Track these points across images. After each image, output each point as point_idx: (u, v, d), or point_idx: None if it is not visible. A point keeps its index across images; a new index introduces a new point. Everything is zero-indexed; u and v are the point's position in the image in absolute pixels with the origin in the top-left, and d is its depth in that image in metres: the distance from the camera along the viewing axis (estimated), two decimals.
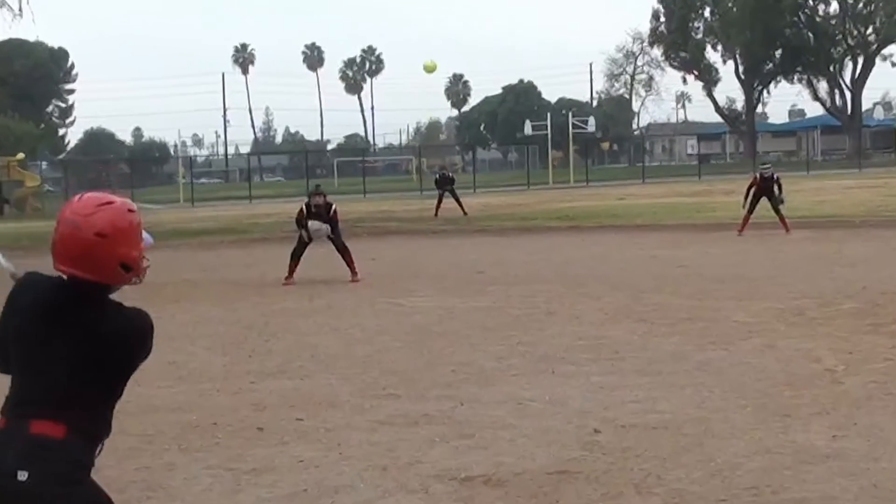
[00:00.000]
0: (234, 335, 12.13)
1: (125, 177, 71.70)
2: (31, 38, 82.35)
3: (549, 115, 72.50)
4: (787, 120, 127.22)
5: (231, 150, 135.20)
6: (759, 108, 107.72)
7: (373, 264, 19.18)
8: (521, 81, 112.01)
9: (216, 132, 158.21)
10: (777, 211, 23.59)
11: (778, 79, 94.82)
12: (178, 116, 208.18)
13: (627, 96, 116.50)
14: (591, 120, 70.58)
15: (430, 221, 32.65)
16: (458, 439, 7.28)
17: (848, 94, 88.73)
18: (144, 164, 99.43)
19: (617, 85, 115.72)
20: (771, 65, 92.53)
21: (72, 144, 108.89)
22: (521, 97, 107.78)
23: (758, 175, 24.00)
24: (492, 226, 30.01)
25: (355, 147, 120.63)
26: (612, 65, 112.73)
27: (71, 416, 3.22)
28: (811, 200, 32.67)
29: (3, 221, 43.21)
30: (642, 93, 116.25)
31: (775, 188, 23.54)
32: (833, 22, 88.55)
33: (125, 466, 6.73)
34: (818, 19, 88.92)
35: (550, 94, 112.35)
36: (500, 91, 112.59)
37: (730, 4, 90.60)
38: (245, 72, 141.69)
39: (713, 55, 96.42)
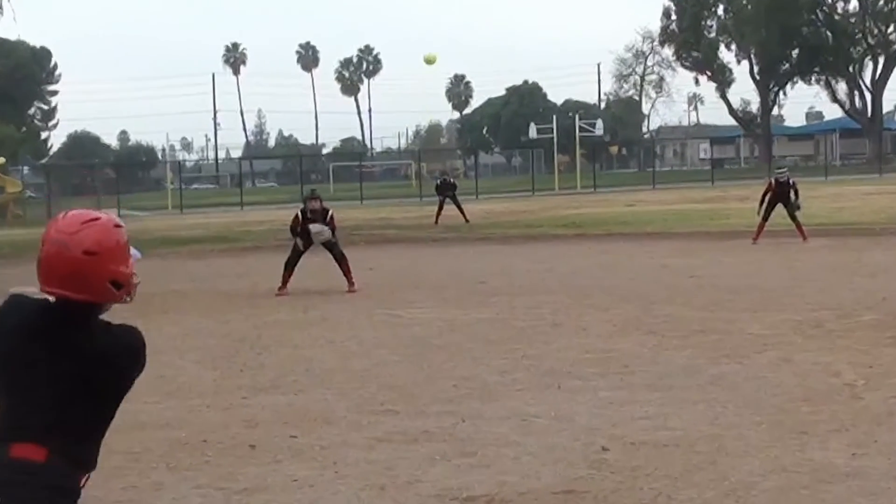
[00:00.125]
0: (225, 348, 12.13)
1: (111, 182, 71.68)
2: (12, 37, 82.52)
3: (554, 117, 72.53)
4: (804, 123, 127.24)
5: (222, 155, 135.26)
6: (775, 111, 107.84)
7: (370, 274, 19.19)
8: (525, 82, 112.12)
9: (206, 135, 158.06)
10: (793, 218, 23.60)
11: (795, 80, 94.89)
12: (166, 119, 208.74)
13: (637, 98, 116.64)
14: (599, 123, 70.59)
15: (430, 229, 32.66)
16: (460, 457, 7.28)
17: (868, 96, 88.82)
18: (131, 169, 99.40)
19: (626, 86, 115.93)
20: (787, 65, 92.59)
21: (55, 148, 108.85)
22: (526, 99, 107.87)
23: (773, 180, 24.02)
24: (495, 234, 30.02)
25: (352, 151, 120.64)
26: (620, 65, 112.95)
27: (55, 440, 3.22)
28: (829, 207, 32.69)
29: None
30: (652, 94, 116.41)
31: (791, 194, 23.55)
32: (853, 20, 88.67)
33: (111, 486, 6.73)
34: (837, 17, 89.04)
35: (556, 96, 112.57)
36: (503, 92, 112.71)
37: (744, 2, 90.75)
38: (236, 72, 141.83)
39: (727, 55, 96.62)
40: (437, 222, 34.23)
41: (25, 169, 72.65)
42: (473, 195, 53.17)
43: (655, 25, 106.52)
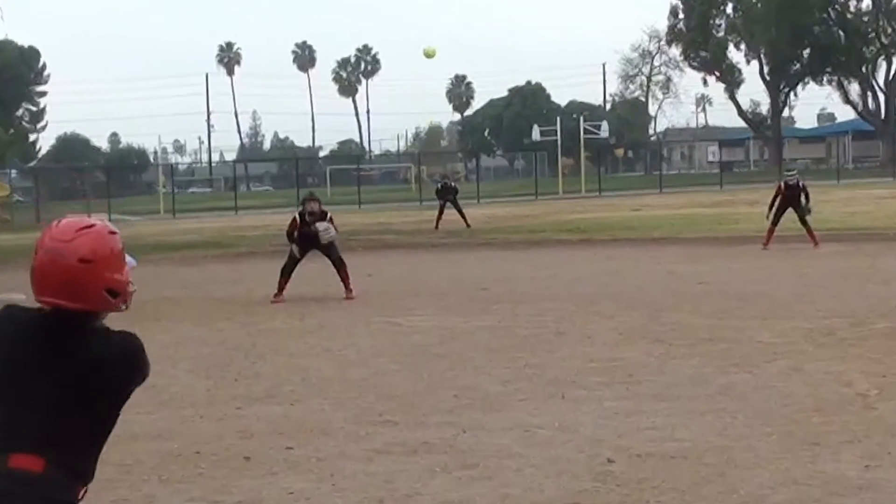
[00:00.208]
0: (219, 357, 12.14)
1: (101, 186, 71.66)
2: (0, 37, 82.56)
3: (558, 119, 72.63)
4: (815, 125, 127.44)
5: (215, 158, 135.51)
6: (786, 112, 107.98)
7: (369, 280, 19.20)
8: (528, 83, 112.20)
9: (199, 138, 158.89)
10: (804, 222, 23.60)
11: (806, 80, 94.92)
12: (158, 121, 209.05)
13: (643, 99, 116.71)
14: (604, 125, 70.59)
15: (430, 234, 32.68)
16: (461, 469, 7.29)
17: (881, 97, 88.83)
18: (122, 172, 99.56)
19: (632, 87, 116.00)
20: (798, 65, 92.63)
21: (43, 151, 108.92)
22: (529, 100, 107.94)
23: (782, 183, 24.03)
24: (497, 239, 30.03)
25: (349, 154, 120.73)
26: (626, 65, 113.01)
27: (52, 450, 3.24)
28: (842, 211, 32.70)
29: None
30: (659, 95, 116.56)
31: (802, 197, 23.55)
32: (865, 19, 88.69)
33: (101, 499, 6.72)
34: (849, 16, 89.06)
35: (560, 97, 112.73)
36: (505, 93, 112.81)
37: (754, 0, 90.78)
38: (230, 73, 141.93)
39: (736, 55, 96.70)
40: (437, 227, 34.25)
41: (13, 172, 72.61)
42: (475, 199, 53.17)
43: (662, 24, 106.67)
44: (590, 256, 23.88)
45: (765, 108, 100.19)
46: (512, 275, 20.29)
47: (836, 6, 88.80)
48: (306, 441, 8.17)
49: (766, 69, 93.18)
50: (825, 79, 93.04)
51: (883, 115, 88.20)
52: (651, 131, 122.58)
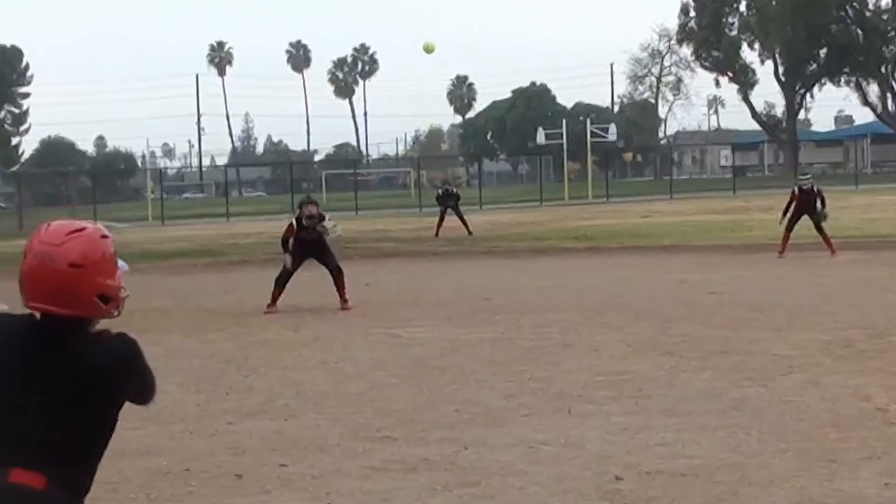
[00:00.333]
0: (210, 370, 12.15)
1: (86, 191, 71.77)
2: None
3: (564, 122, 72.66)
4: (832, 127, 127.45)
5: (206, 162, 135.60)
6: (802, 115, 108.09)
7: (366, 290, 19.21)
8: (532, 84, 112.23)
9: (189, 141, 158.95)
10: (820, 229, 23.58)
11: (823, 81, 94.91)
12: (146, 124, 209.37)
13: (653, 101, 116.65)
14: (612, 127, 70.70)
15: (430, 242, 32.69)
16: (462, 487, 7.29)
17: None
18: (108, 177, 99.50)
19: (641, 88, 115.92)
20: (815, 65, 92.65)
21: (26, 155, 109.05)
22: (533, 102, 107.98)
23: (797, 188, 24.00)
24: (500, 247, 30.05)
25: (346, 158, 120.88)
26: (635, 65, 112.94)
27: (52, 466, 3.27)
28: (860, 218, 32.70)
29: None
30: (670, 97, 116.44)
31: (817, 203, 23.53)
32: (885, 17, 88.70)
33: None
34: (868, 14, 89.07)
35: (566, 99, 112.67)
36: (509, 95, 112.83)
37: None
38: (222, 73, 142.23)
39: (750, 54, 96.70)
40: (437, 235, 34.26)
41: None
42: (477, 205, 53.21)
43: (673, 23, 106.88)
44: (597, 265, 23.88)
45: (780, 110, 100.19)
46: (516, 284, 20.29)
47: (855, 4, 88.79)
48: (301, 458, 8.17)
49: (781, 69, 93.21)
50: (843, 79, 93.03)
51: None
52: (661, 134, 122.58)
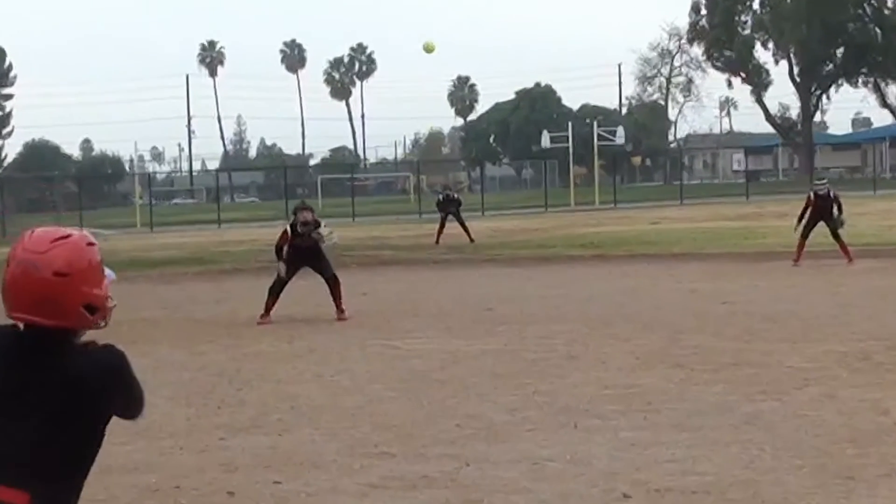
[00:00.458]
0: (201, 383, 12.15)
1: (72, 197, 71.78)
2: None
3: (570, 124, 72.76)
4: (850, 130, 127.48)
5: (197, 166, 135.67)
6: (817, 117, 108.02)
7: (363, 300, 19.22)
8: (537, 85, 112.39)
9: (179, 145, 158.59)
10: (836, 236, 23.57)
11: (839, 82, 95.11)
12: (134, 126, 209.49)
13: (662, 102, 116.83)
14: (620, 130, 70.78)
15: (430, 250, 32.72)
16: None
17: None
18: (95, 182, 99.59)
19: (650, 89, 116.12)
20: (831, 65, 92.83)
21: (9, 159, 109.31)
22: (538, 104, 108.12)
23: (812, 193, 23.97)
24: (503, 255, 30.06)
25: (343, 162, 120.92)
26: (644, 66, 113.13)
27: (36, 481, 3.27)
28: (878, 225, 32.71)
29: None
30: (680, 98, 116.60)
31: (834, 209, 23.51)
32: None
33: None
34: (886, 12, 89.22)
35: (572, 100, 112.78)
36: (512, 96, 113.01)
37: None
38: (213, 74, 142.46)
39: (763, 54, 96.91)
40: (438, 242, 34.28)
41: None
42: (479, 211, 53.24)
43: (683, 21, 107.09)
44: (604, 274, 23.89)
45: (795, 112, 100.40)
46: (519, 294, 20.30)
47: (873, 1, 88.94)
48: (295, 475, 8.17)
49: (796, 70, 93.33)
50: (860, 80, 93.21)
51: None
52: (671, 137, 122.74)
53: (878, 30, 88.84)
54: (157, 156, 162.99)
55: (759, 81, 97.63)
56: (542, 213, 56.99)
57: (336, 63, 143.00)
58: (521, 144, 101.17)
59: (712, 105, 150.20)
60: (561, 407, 10.14)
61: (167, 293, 23.43)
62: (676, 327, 14.97)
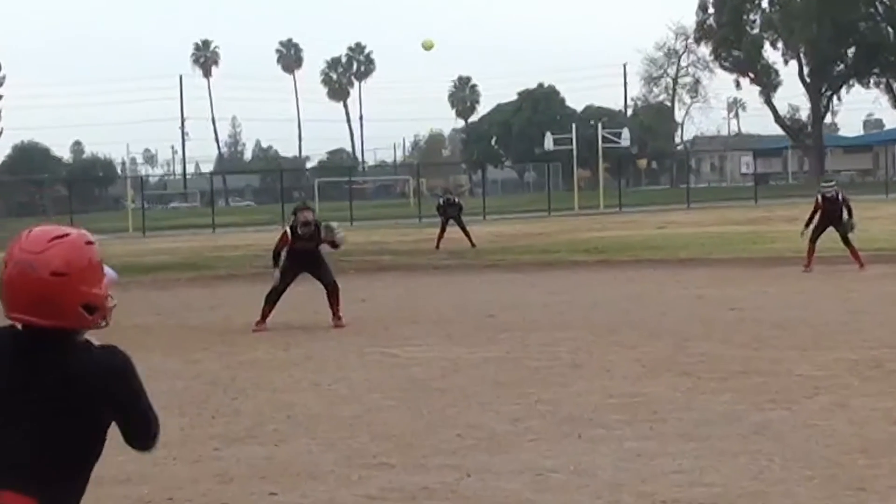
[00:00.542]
0: (195, 392, 12.16)
1: (62, 200, 71.96)
2: None
3: (573, 126, 72.69)
4: (861, 132, 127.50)
5: (190, 169, 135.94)
6: (828, 118, 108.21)
7: (361, 306, 19.22)
8: (540, 86, 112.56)
9: (172, 147, 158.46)
10: (847, 242, 23.54)
11: (850, 82, 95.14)
12: (126, 128, 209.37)
13: (669, 104, 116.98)
14: (625, 132, 70.78)
15: (430, 255, 32.72)
16: None
17: None
18: (86, 185, 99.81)
19: (656, 90, 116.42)
20: (842, 66, 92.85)
21: None
22: (541, 105, 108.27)
23: (820, 197, 23.91)
24: (505, 260, 30.07)
25: (340, 165, 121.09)
26: (650, 66, 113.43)
27: (42, 487, 3.29)
28: (891, 229, 32.70)
29: None
30: (687, 99, 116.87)
31: (843, 213, 23.46)
32: None
33: None
34: None
35: (576, 102, 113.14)
36: (514, 97, 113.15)
37: None
38: (207, 74, 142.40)
39: (772, 54, 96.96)
40: (438, 247, 34.29)
41: None
42: (480, 215, 53.25)
43: (690, 20, 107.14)
44: (609, 280, 23.90)
45: (804, 113, 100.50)
46: (522, 300, 20.31)
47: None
48: (292, 486, 8.18)
49: (806, 70, 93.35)
50: (872, 81, 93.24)
51: None
52: (677, 139, 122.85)
53: (890, 29, 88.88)
54: (150, 158, 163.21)
55: (768, 82, 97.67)
56: (546, 217, 57.00)
57: (333, 63, 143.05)
58: (524, 147, 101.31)
59: (720, 106, 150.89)
60: (564, 416, 10.14)
61: (160, 299, 23.44)
62: (683, 334, 14.98)
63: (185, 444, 9.67)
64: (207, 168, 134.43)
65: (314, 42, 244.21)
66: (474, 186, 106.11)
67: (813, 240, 23.56)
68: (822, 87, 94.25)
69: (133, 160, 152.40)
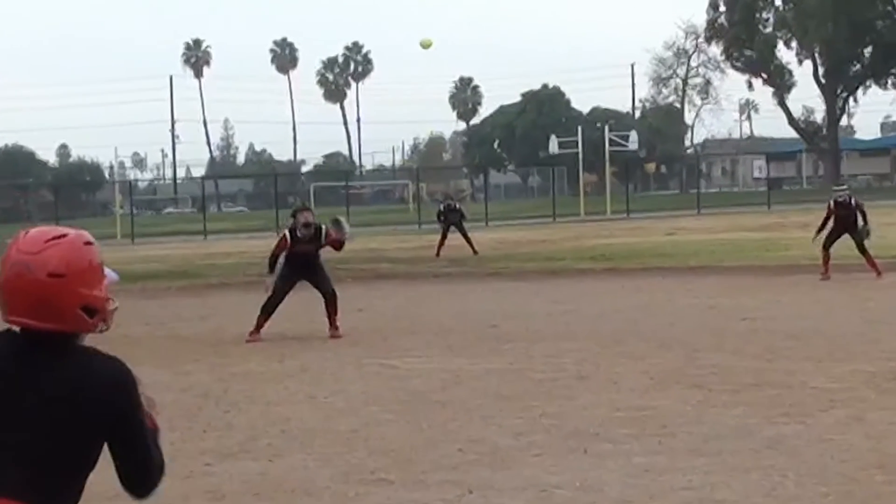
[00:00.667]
0: (186, 405, 12.16)
1: (48, 206, 72.02)
2: None
3: (579, 128, 72.83)
4: (878, 135, 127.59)
5: (181, 173, 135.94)
6: (844, 121, 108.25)
7: (359, 316, 19.22)
8: (544, 87, 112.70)
9: (162, 150, 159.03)
10: (862, 249, 23.48)
11: (867, 83, 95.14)
12: (114, 131, 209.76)
13: (678, 105, 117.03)
14: (633, 135, 70.87)
15: (430, 263, 32.71)
16: None
17: None
18: (72, 190, 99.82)
19: (665, 91, 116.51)
20: (858, 66, 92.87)
21: None
22: (545, 107, 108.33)
23: (832, 202, 23.86)
24: (508, 268, 30.07)
25: (337, 169, 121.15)
26: (659, 66, 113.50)
27: (36, 495, 3.31)
28: None
29: None
30: (697, 101, 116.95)
31: (858, 218, 23.42)
32: None
33: None
34: None
35: (582, 103, 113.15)
36: (518, 99, 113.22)
37: None
38: (198, 74, 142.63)
39: (786, 54, 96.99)
40: (438, 255, 34.27)
41: None
42: (483, 222, 53.26)
43: (701, 18, 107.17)
44: (616, 288, 23.91)
45: (819, 115, 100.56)
46: (525, 310, 20.32)
47: None
48: (287, 502, 8.18)
49: (821, 70, 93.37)
50: (890, 81, 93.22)
51: None
52: (687, 143, 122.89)
53: None
54: (139, 162, 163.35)
55: (781, 83, 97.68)
56: (550, 223, 57.02)
57: (330, 63, 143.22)
58: (528, 150, 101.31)
59: (731, 108, 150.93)
60: (570, 430, 10.14)
61: (149, 309, 23.44)
62: (693, 345, 14.98)
63: (176, 459, 9.65)
64: (199, 172, 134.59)
65: (310, 41, 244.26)
66: (476, 191, 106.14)
67: (827, 247, 23.53)
68: (837, 87, 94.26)
69: (121, 164, 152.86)
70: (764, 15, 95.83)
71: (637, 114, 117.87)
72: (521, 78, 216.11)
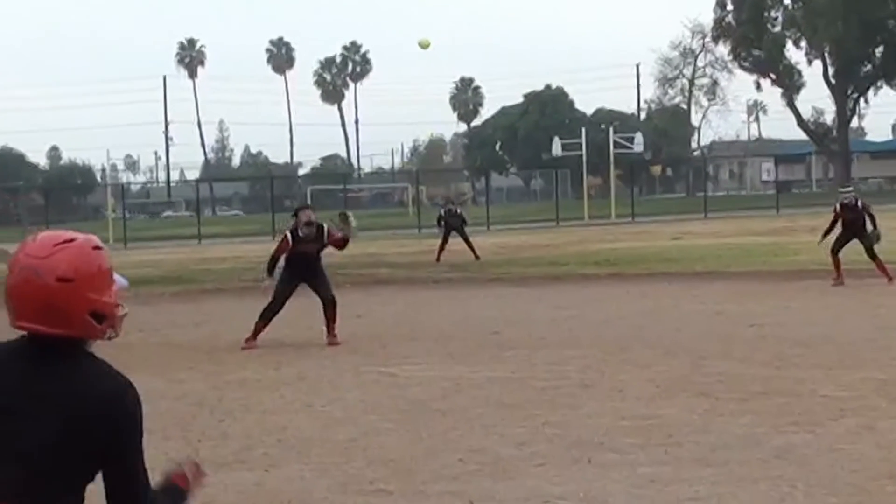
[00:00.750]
0: (180, 414, 12.16)
1: (38, 210, 72.01)
2: None
3: (583, 130, 72.82)
4: (890, 137, 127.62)
5: (175, 176, 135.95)
6: (855, 122, 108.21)
7: (357, 323, 19.22)
8: (547, 88, 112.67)
9: (156, 153, 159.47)
10: (872, 254, 23.45)
11: (878, 84, 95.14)
12: (106, 133, 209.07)
13: (685, 106, 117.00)
14: (639, 137, 70.85)
15: (431, 268, 32.72)
16: None
17: None
18: (63, 193, 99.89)
19: (671, 92, 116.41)
20: (869, 66, 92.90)
21: None
22: (548, 108, 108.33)
23: (838, 205, 23.83)
24: (510, 273, 30.08)
25: (334, 172, 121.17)
26: (664, 66, 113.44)
27: (38, 503, 3.32)
28: None
29: None
30: (704, 102, 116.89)
31: (866, 222, 23.38)
32: None
33: None
34: None
35: (585, 104, 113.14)
36: (520, 100, 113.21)
37: None
38: (193, 75, 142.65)
39: (795, 54, 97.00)
40: (439, 259, 34.29)
41: None
42: (484, 226, 53.28)
43: (707, 17, 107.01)
44: (621, 294, 23.91)
45: (829, 117, 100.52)
46: (528, 316, 20.32)
47: None
48: None
49: (831, 71, 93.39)
50: None
51: None
52: (694, 145, 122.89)
53: None
54: (132, 165, 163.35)
55: (790, 83, 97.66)
56: (553, 227, 57.04)
57: (327, 63, 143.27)
58: (530, 152, 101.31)
59: (739, 109, 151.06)
60: (574, 440, 10.15)
61: (142, 315, 23.41)
62: (700, 352, 14.99)
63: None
64: (193, 175, 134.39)
65: (307, 41, 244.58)
66: (477, 195, 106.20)
67: (835, 251, 23.49)
68: (848, 88, 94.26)
69: (114, 166, 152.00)
70: (772, 14, 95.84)
71: (642, 115, 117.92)
72: (524, 78, 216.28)
